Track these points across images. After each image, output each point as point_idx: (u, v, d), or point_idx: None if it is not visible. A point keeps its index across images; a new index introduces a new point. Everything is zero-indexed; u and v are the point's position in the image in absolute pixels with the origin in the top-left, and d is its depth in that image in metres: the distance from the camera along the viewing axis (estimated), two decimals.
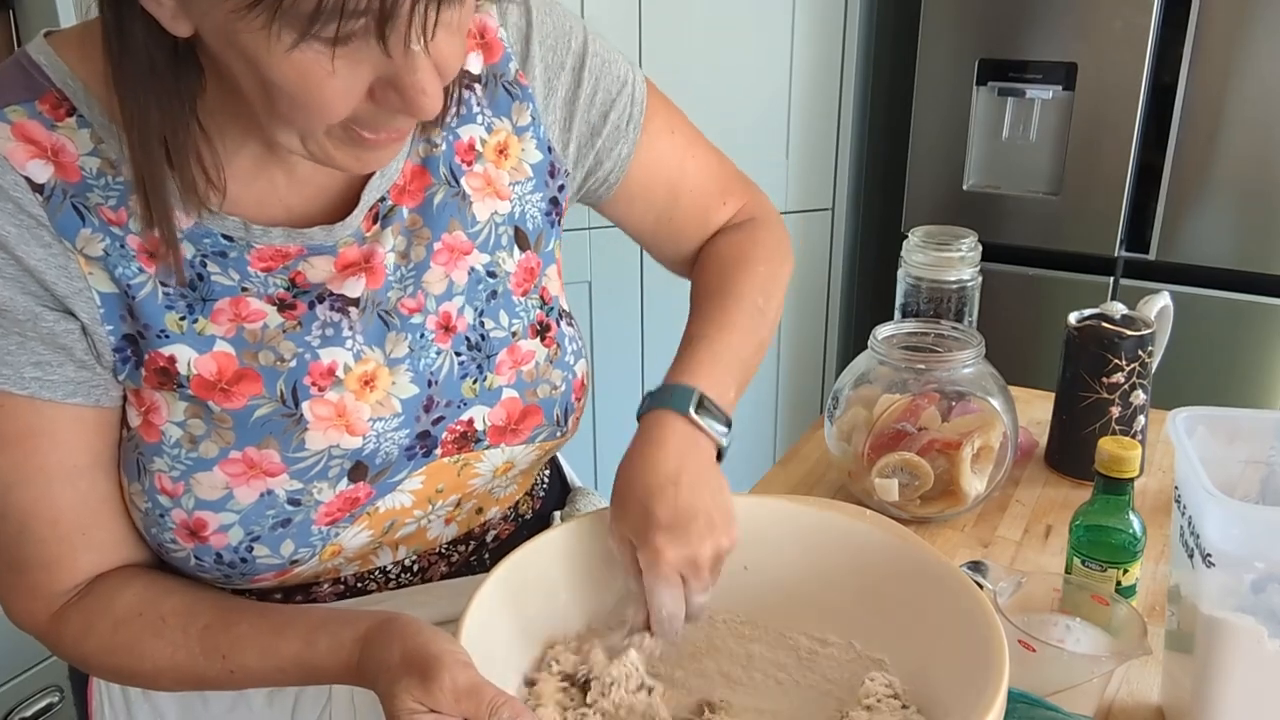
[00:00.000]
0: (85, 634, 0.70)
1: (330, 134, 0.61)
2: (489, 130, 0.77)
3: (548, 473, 0.97)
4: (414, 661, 0.59)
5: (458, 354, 0.75)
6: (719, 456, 0.77)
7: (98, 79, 0.63)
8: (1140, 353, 1.12)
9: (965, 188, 2.10)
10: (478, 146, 0.76)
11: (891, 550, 0.74)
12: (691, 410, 0.75)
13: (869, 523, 0.76)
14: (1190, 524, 0.74)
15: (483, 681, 0.59)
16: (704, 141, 0.93)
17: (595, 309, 2.16)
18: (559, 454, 1.01)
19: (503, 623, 0.69)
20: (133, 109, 0.59)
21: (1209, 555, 0.70)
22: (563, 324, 0.82)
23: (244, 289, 0.68)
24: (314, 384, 0.69)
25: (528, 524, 0.91)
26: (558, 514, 0.95)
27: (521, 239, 0.79)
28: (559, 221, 0.83)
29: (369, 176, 0.72)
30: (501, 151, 0.78)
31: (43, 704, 1.73)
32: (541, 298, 0.81)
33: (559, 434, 0.81)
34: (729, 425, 0.77)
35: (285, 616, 0.69)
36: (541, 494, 0.94)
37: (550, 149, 0.80)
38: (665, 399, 0.76)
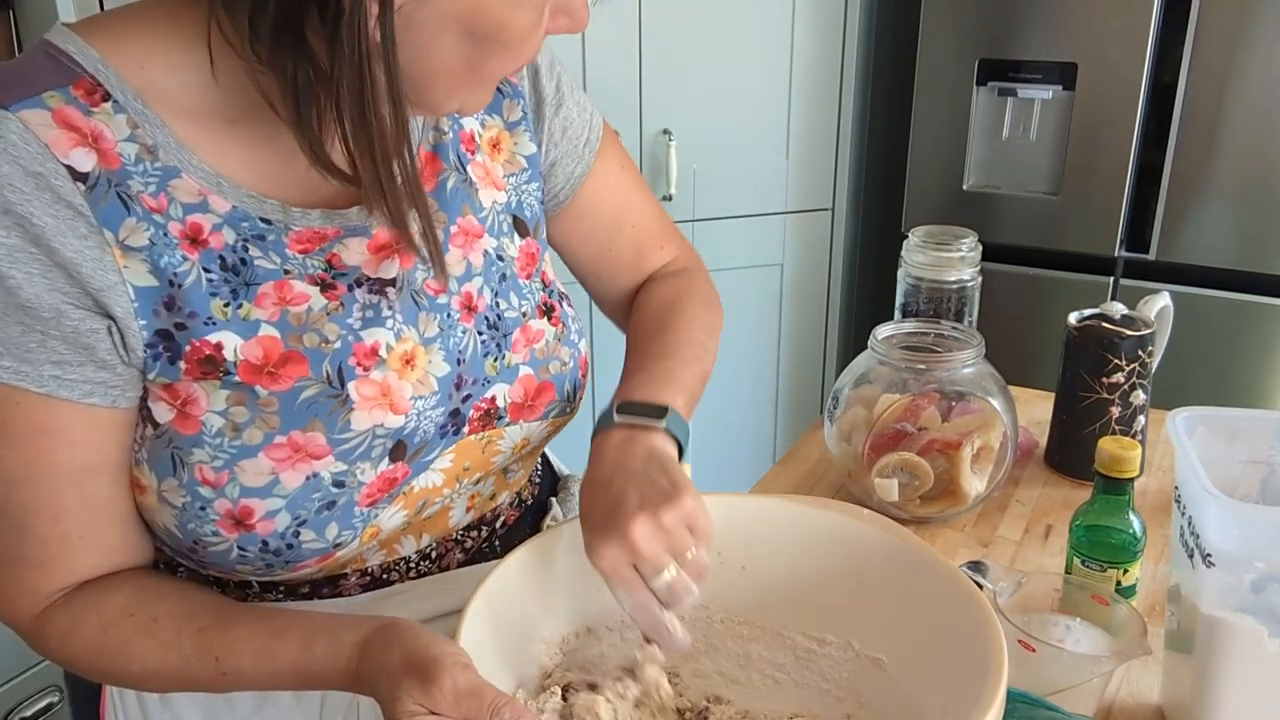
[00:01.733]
0: (72, 634, 0.69)
1: (472, 79, 0.65)
2: (483, 126, 0.81)
3: (540, 460, 0.99)
4: (414, 664, 0.60)
5: (480, 333, 0.77)
6: (680, 452, 0.75)
7: (129, 64, 0.63)
8: (1140, 353, 1.12)
9: (965, 188, 2.10)
10: (476, 139, 0.80)
11: (890, 549, 0.74)
12: (615, 417, 0.75)
13: (868, 522, 0.76)
14: (1190, 524, 0.74)
15: (483, 683, 0.59)
16: (648, 192, 0.96)
17: (595, 308, 2.16)
18: (549, 452, 1.03)
19: (500, 623, 0.70)
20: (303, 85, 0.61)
21: (1209, 555, 0.70)
22: (564, 304, 0.85)
23: (286, 271, 0.68)
24: (359, 364, 0.70)
25: (530, 509, 0.93)
26: (554, 499, 0.97)
27: (521, 227, 0.82)
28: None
29: None
30: (495, 146, 0.81)
31: (43, 704, 1.74)
32: (542, 280, 0.84)
33: (568, 410, 0.84)
34: (664, 416, 0.75)
35: (283, 620, 0.69)
36: (538, 480, 0.97)
37: (540, 144, 0.84)
38: (596, 426, 0.76)
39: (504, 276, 0.80)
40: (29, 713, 1.72)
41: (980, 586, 0.85)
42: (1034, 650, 0.77)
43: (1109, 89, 1.91)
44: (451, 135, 0.78)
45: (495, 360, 0.78)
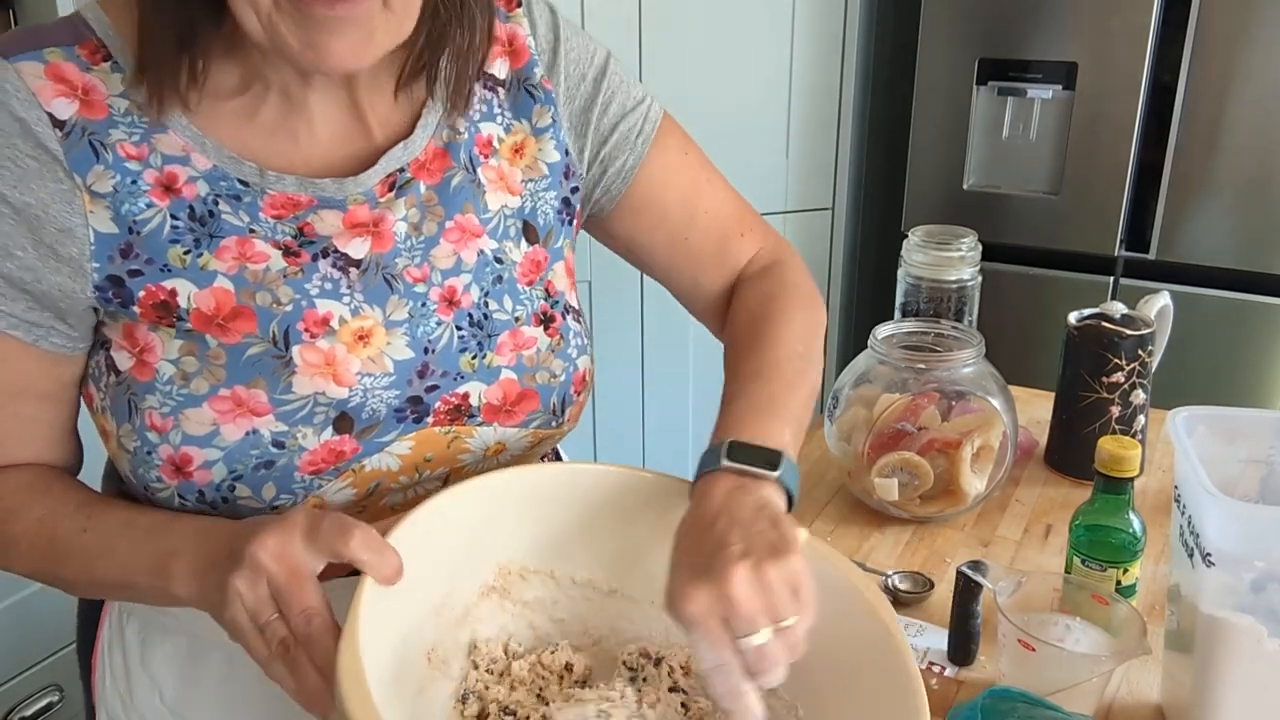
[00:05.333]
0: None
1: (279, 8, 0.63)
2: (507, 130, 0.81)
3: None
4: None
5: (458, 328, 0.77)
6: (789, 503, 0.69)
7: (135, 38, 0.68)
8: (1140, 352, 1.12)
9: (965, 187, 2.10)
10: (494, 144, 0.81)
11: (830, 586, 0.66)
12: (724, 460, 0.68)
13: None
14: (1190, 524, 0.74)
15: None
16: (722, 178, 0.92)
17: (595, 309, 2.16)
18: (560, 449, 1.02)
19: (447, 538, 0.69)
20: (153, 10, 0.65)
21: (1209, 555, 0.70)
22: (569, 319, 0.84)
23: (252, 230, 0.72)
24: (307, 330, 0.72)
25: None
26: None
27: (530, 233, 0.82)
28: (571, 221, 0.85)
29: (390, 146, 0.75)
30: (517, 151, 0.82)
31: (43, 704, 1.74)
32: (546, 290, 0.83)
33: (554, 423, 0.82)
34: (777, 464, 0.69)
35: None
36: None
37: (568, 152, 0.84)
38: (701, 465, 0.71)
39: (500, 278, 0.80)
40: (29, 712, 1.72)
41: (980, 586, 0.85)
42: (1034, 650, 0.77)
43: (1109, 89, 1.91)
44: (466, 137, 0.79)
45: (474, 358, 0.78)
